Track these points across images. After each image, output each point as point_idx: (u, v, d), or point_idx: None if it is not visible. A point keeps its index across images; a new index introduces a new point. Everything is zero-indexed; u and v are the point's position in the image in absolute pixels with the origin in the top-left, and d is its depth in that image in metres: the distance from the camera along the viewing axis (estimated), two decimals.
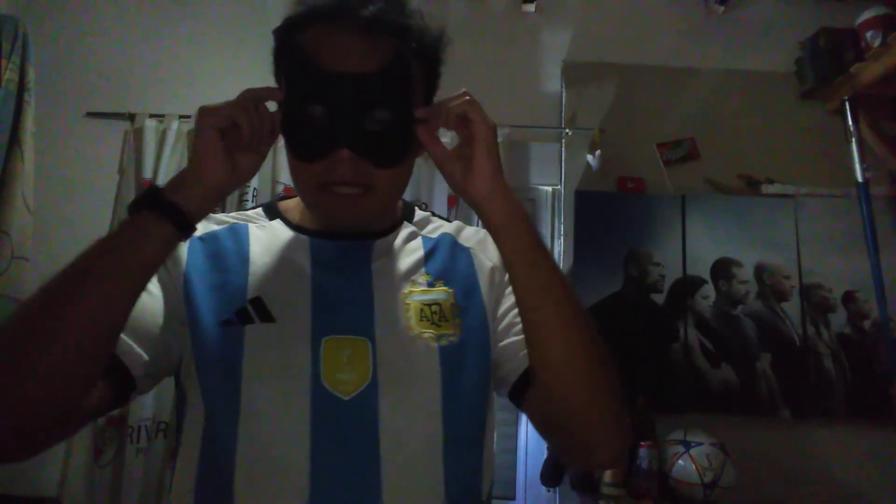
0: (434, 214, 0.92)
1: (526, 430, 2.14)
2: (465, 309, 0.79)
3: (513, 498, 2.19)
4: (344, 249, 0.80)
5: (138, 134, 2.21)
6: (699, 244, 2.17)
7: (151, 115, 2.22)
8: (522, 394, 0.76)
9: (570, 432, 0.74)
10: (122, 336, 0.65)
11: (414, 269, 0.81)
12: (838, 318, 2.12)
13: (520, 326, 0.76)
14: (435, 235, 0.87)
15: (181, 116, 2.23)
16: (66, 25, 2.35)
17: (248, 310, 0.73)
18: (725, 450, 1.84)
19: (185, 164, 2.18)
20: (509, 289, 0.78)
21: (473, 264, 0.84)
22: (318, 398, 0.69)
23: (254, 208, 0.89)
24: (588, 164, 2.21)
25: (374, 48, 0.71)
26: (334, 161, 0.71)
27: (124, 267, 0.63)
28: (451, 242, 0.86)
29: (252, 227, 0.82)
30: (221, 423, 0.69)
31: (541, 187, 2.33)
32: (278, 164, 2.17)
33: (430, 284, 0.79)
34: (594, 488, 1.91)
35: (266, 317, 0.73)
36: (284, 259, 0.78)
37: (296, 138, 0.74)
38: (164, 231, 0.64)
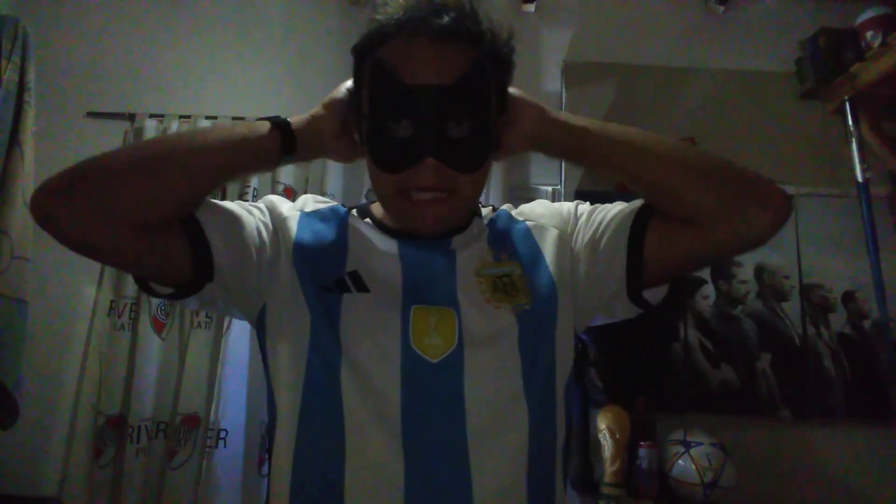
0: (494, 208, 0.99)
1: None
2: (532, 278, 0.84)
3: None
4: (426, 245, 0.85)
5: (138, 134, 2.21)
6: None
7: (151, 115, 2.22)
8: (641, 245, 0.78)
9: (719, 214, 0.74)
10: (215, 234, 0.76)
11: (482, 248, 0.87)
12: (838, 318, 2.12)
13: (602, 239, 0.83)
14: (496, 221, 0.93)
15: (181, 116, 2.23)
16: (66, 25, 2.35)
17: (346, 280, 0.80)
18: (725, 450, 1.84)
19: None
20: (581, 229, 0.86)
21: (533, 235, 0.89)
22: (407, 360, 0.74)
23: (349, 209, 0.95)
24: None
25: (452, 59, 0.76)
26: (419, 170, 0.76)
27: (233, 147, 0.77)
28: (507, 217, 0.92)
29: (351, 216, 0.90)
30: (327, 372, 0.75)
31: (541, 187, 2.33)
32: None
33: (497, 258, 0.85)
34: (594, 488, 1.91)
35: (362, 287, 0.79)
36: (376, 246, 0.85)
37: (381, 151, 0.78)
38: (273, 141, 0.78)
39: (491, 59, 0.79)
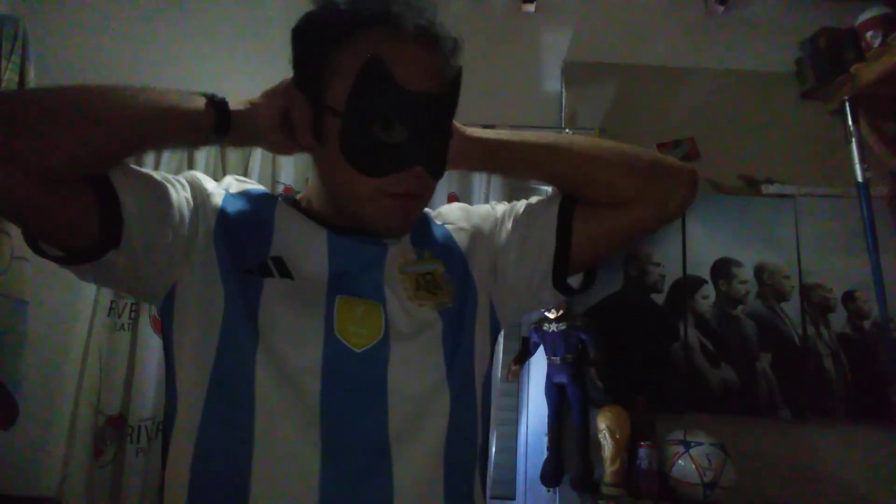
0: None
1: (526, 430, 2.14)
2: (454, 277, 0.84)
3: (513, 498, 2.19)
4: (361, 240, 0.82)
5: None
6: (699, 244, 2.17)
7: None
8: (569, 232, 0.82)
9: (639, 195, 0.81)
10: (128, 197, 0.69)
11: (405, 246, 0.85)
12: (838, 318, 2.12)
13: (529, 231, 0.86)
14: (420, 221, 0.91)
15: None
16: (66, 25, 2.35)
17: (269, 265, 0.77)
18: (725, 450, 1.84)
19: (185, 163, 2.20)
20: (503, 226, 0.89)
21: (453, 237, 0.89)
22: (330, 348, 0.72)
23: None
24: None
25: (443, 67, 0.76)
26: (406, 176, 0.74)
27: (160, 114, 0.70)
28: (428, 219, 0.92)
29: (279, 200, 0.85)
30: (240, 354, 0.72)
31: (541, 187, 2.33)
32: (278, 164, 2.17)
33: (420, 256, 0.84)
34: (594, 488, 1.91)
35: (285, 273, 0.76)
36: (303, 233, 0.81)
37: (362, 154, 0.74)
38: (206, 118, 0.72)
39: (461, 73, 0.79)
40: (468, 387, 0.80)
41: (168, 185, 0.76)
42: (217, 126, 0.73)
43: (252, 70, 2.33)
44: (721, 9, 2.36)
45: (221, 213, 0.80)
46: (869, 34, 2.09)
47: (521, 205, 0.91)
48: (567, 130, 2.26)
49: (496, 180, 2.15)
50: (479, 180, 2.18)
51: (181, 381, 0.75)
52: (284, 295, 0.75)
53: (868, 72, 2.05)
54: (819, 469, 2.01)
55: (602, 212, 0.82)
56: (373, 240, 0.82)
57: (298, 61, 0.80)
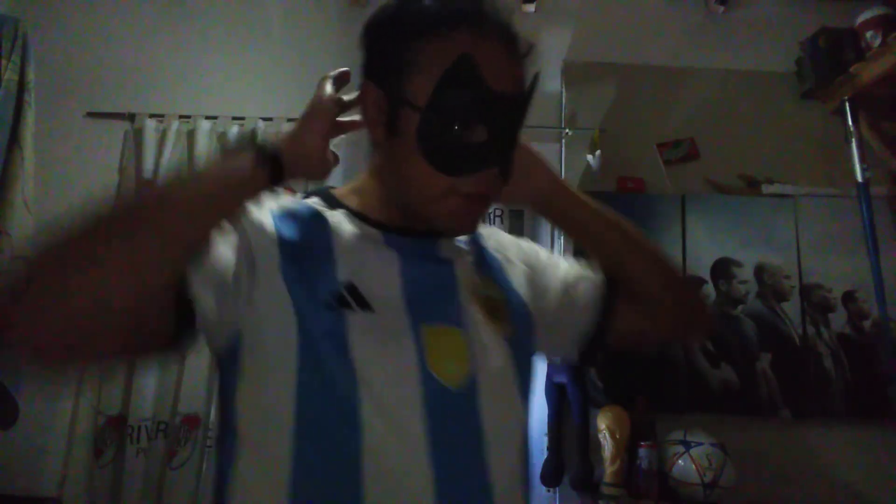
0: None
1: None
2: (512, 308, 0.83)
3: None
4: (418, 243, 0.81)
5: (138, 134, 2.21)
6: (699, 244, 2.17)
7: (151, 115, 2.22)
8: (611, 311, 0.86)
9: (670, 315, 0.89)
10: (196, 284, 0.65)
11: (469, 266, 0.84)
12: (838, 318, 2.12)
13: (577, 291, 0.88)
14: (480, 234, 0.91)
15: (181, 116, 2.23)
16: (66, 25, 2.35)
17: (345, 295, 0.72)
18: (725, 450, 1.84)
19: (185, 164, 2.20)
20: (549, 272, 0.90)
21: (505, 268, 0.88)
22: (427, 385, 0.70)
23: (305, 197, 0.86)
24: (588, 164, 2.21)
25: (522, 68, 0.76)
26: (483, 177, 0.73)
27: (219, 192, 0.66)
28: (481, 243, 0.90)
29: (326, 212, 0.80)
30: (337, 393, 0.68)
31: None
32: None
33: (484, 281, 0.83)
34: (594, 488, 1.91)
35: (363, 304, 0.72)
36: (362, 243, 0.78)
37: (442, 151, 0.72)
38: (261, 178, 0.68)
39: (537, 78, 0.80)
40: (527, 416, 0.83)
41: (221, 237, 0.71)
42: (273, 179, 0.69)
43: (252, 69, 2.33)
44: (721, 9, 2.36)
45: (281, 241, 0.74)
46: (869, 34, 2.09)
47: (565, 261, 0.94)
48: (567, 131, 2.26)
49: None
50: None
51: (247, 423, 0.71)
52: (370, 328, 0.71)
53: (868, 72, 2.05)
54: (819, 469, 2.01)
55: (635, 312, 0.87)
56: (430, 248, 0.81)
57: (374, 54, 0.78)
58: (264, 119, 2.19)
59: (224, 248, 0.70)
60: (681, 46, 2.37)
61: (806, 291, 2.14)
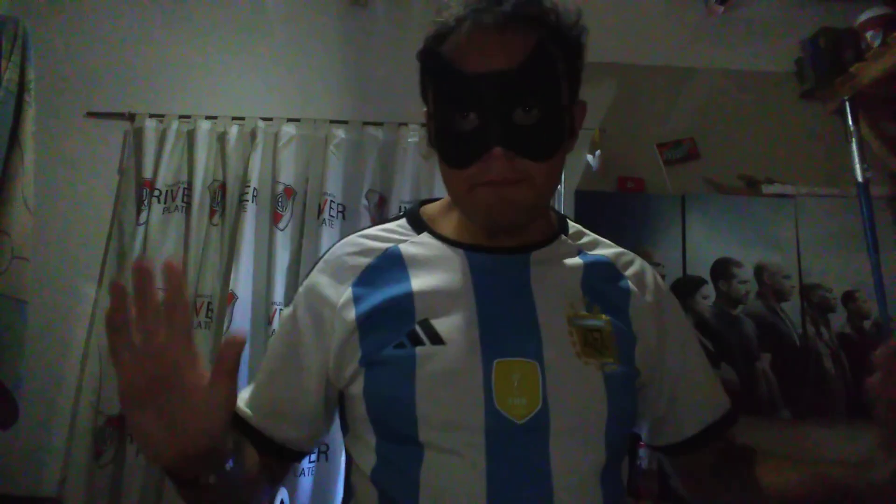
0: (586, 227, 0.92)
1: None
2: (620, 339, 0.78)
3: None
4: (502, 263, 0.79)
5: (138, 134, 2.21)
6: (699, 244, 2.17)
7: (151, 115, 2.22)
8: (685, 449, 0.85)
9: None
10: (279, 428, 0.79)
11: (573, 290, 0.79)
12: (838, 318, 2.12)
13: (697, 378, 0.86)
14: (591, 252, 0.86)
15: (181, 116, 2.23)
16: (66, 25, 2.35)
17: (418, 332, 0.73)
18: None
19: (185, 164, 2.20)
20: (676, 337, 0.85)
21: (630, 295, 0.82)
22: (491, 421, 0.69)
23: (395, 219, 0.88)
24: (588, 164, 2.21)
25: (513, 43, 0.71)
26: (488, 161, 0.71)
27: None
28: (609, 267, 0.85)
29: (404, 247, 0.81)
30: (403, 435, 0.71)
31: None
32: (278, 164, 2.17)
33: (589, 309, 0.78)
34: None
35: (436, 339, 0.73)
36: (444, 277, 0.78)
37: (448, 147, 0.75)
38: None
39: (557, 41, 0.74)
40: (621, 455, 0.78)
41: (297, 362, 0.79)
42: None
43: (252, 69, 2.33)
44: (721, 9, 2.36)
45: (359, 317, 0.76)
46: (869, 34, 2.09)
47: (697, 352, 0.88)
48: None
49: None
50: None
51: (348, 443, 0.81)
52: (439, 360, 0.72)
53: (868, 72, 2.05)
54: None
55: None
56: (519, 264, 0.79)
57: (419, 81, 0.80)
58: (264, 119, 2.20)
59: (303, 373, 0.79)
60: (681, 46, 2.37)
61: (806, 291, 2.14)
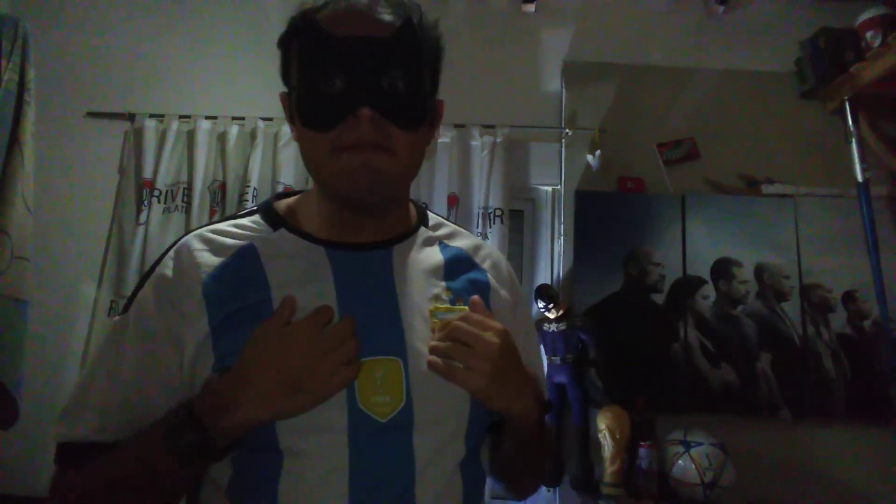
0: (446, 219, 0.93)
1: None
2: None
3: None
4: (364, 258, 0.78)
5: (138, 134, 2.21)
6: (699, 244, 2.17)
7: (151, 115, 2.22)
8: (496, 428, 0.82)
9: (506, 487, 0.93)
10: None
11: (435, 283, 0.80)
12: (838, 318, 2.12)
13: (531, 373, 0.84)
14: (452, 244, 0.86)
15: (181, 116, 2.23)
16: (66, 25, 2.35)
17: None
18: (725, 450, 1.84)
19: (185, 164, 2.20)
20: (523, 332, 0.86)
21: (489, 288, 0.84)
22: (354, 421, 0.69)
23: (247, 214, 0.84)
24: (588, 164, 2.21)
25: (383, 21, 0.74)
26: (354, 122, 0.71)
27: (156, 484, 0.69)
28: (468, 261, 0.86)
29: (259, 245, 0.78)
30: (262, 442, 0.69)
31: (541, 187, 2.33)
32: (278, 164, 2.17)
33: (453, 302, 0.79)
34: (594, 488, 1.91)
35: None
36: (304, 275, 0.75)
37: (311, 111, 0.74)
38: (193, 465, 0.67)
39: (421, 30, 0.76)
40: (479, 444, 0.80)
41: (152, 366, 0.73)
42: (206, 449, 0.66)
43: (252, 69, 2.33)
44: (721, 9, 2.36)
45: (210, 313, 0.72)
46: (869, 34, 2.09)
47: (534, 344, 0.95)
48: (567, 131, 2.26)
49: (496, 181, 2.15)
50: (478, 180, 2.17)
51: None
52: None
53: (868, 72, 2.05)
54: (819, 469, 2.01)
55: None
56: (381, 261, 0.78)
57: (281, 66, 0.82)
58: (264, 119, 2.20)
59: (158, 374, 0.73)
60: (681, 46, 2.37)
61: (806, 291, 2.14)
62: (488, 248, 0.91)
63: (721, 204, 2.21)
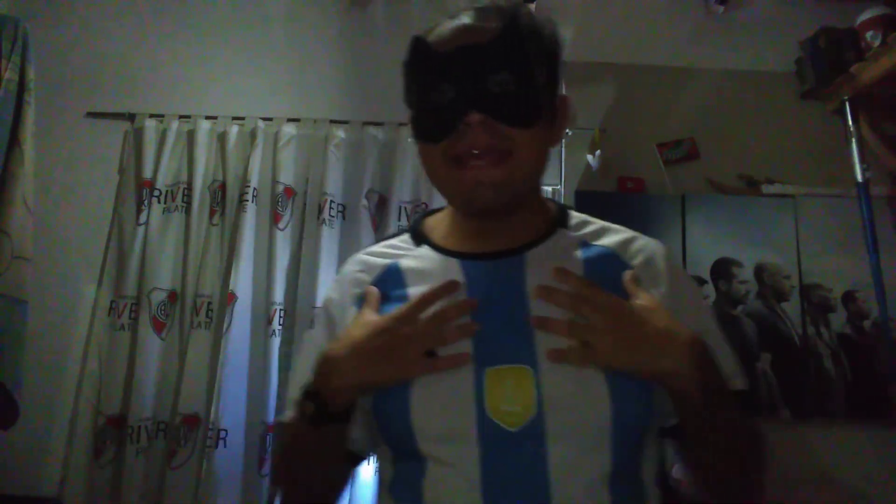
0: (592, 216, 0.88)
1: None
2: None
3: None
4: (496, 267, 0.78)
5: (138, 134, 2.21)
6: (699, 244, 2.17)
7: (151, 115, 2.22)
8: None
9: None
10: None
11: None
12: (838, 318, 2.12)
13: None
14: (597, 243, 0.82)
15: (181, 116, 2.23)
16: (66, 25, 2.35)
17: None
18: None
19: (185, 164, 2.20)
20: (691, 322, 0.75)
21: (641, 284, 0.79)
22: (485, 430, 0.69)
23: (400, 233, 0.90)
24: (588, 164, 2.21)
25: (485, 27, 0.75)
26: (465, 129, 0.72)
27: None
28: (615, 259, 0.80)
29: (403, 262, 0.83)
30: (405, 448, 0.73)
31: (541, 187, 2.33)
32: (278, 164, 2.17)
33: None
34: None
35: (429, 352, 0.72)
36: (437, 283, 0.77)
37: (423, 122, 0.77)
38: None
39: (528, 27, 0.77)
40: (635, 460, 0.75)
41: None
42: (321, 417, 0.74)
43: (252, 69, 2.33)
44: (721, 9, 2.36)
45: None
46: (869, 34, 2.09)
47: (713, 329, 0.81)
48: (567, 131, 2.26)
49: None
50: None
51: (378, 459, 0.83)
52: (432, 376, 0.71)
53: (868, 72, 2.05)
54: (819, 469, 2.01)
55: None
56: (513, 267, 0.78)
57: (404, 93, 0.84)
58: (264, 119, 2.20)
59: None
60: (681, 46, 2.37)
61: (806, 291, 2.14)
62: (642, 241, 0.83)
63: (721, 204, 2.21)
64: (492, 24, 0.75)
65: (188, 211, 2.14)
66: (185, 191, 2.17)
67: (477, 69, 0.73)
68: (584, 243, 0.81)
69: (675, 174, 2.24)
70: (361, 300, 0.80)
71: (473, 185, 0.73)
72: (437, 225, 0.87)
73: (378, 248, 0.88)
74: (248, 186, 2.13)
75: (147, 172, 2.16)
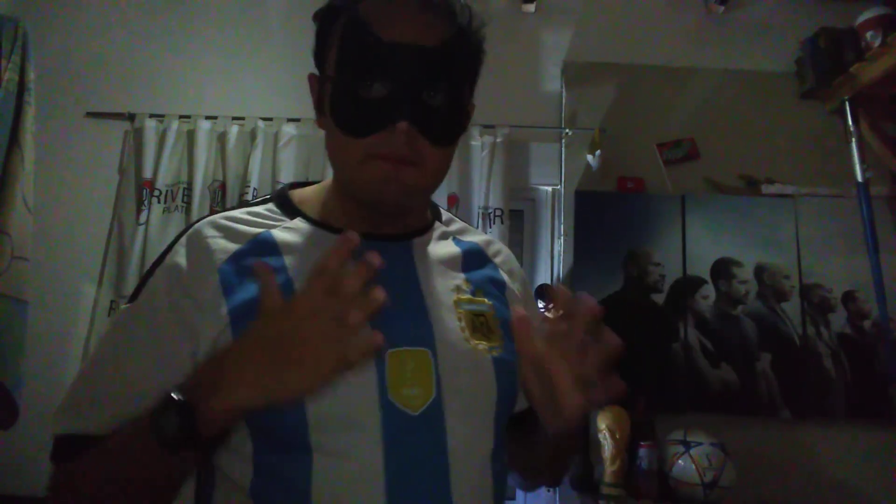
0: (454, 215, 0.92)
1: None
2: (503, 324, 0.77)
3: (513, 498, 2.19)
4: (385, 250, 0.72)
5: (138, 134, 2.21)
6: (699, 244, 2.17)
7: (151, 115, 2.22)
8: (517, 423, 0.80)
9: (522, 479, 0.93)
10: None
11: (455, 275, 0.79)
12: (838, 318, 2.12)
13: None
14: (465, 239, 0.86)
15: (181, 116, 2.23)
16: (66, 25, 2.35)
17: None
18: (725, 450, 1.84)
19: (185, 164, 2.20)
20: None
21: (505, 283, 0.84)
22: (387, 415, 0.66)
23: (262, 202, 0.81)
24: (588, 164, 2.21)
25: (435, 26, 0.71)
26: (389, 134, 0.69)
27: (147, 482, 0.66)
28: (482, 255, 0.85)
29: (277, 232, 0.75)
30: (290, 440, 0.66)
31: (541, 187, 2.33)
32: (278, 164, 2.17)
33: (473, 294, 0.78)
34: (594, 488, 1.91)
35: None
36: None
37: (348, 114, 0.71)
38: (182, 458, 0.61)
39: (469, 36, 0.74)
40: (503, 439, 0.77)
41: (164, 346, 0.68)
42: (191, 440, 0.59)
43: (252, 69, 2.33)
44: (721, 9, 2.36)
45: (230, 301, 0.69)
46: (869, 34, 2.09)
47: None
48: (567, 131, 2.26)
49: (496, 181, 2.15)
50: (478, 180, 2.17)
51: (219, 456, 0.71)
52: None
53: (868, 72, 2.05)
54: (819, 469, 2.01)
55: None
56: (402, 251, 0.76)
57: (315, 43, 0.77)
58: (264, 119, 2.20)
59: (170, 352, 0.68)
60: (681, 46, 2.37)
61: (806, 291, 2.14)
62: (498, 243, 0.90)
63: (721, 204, 2.21)
64: (441, 23, 0.71)
65: (188, 211, 2.14)
66: (186, 191, 2.17)
67: (417, 75, 0.69)
68: (456, 238, 0.85)
69: (675, 174, 2.24)
70: (229, 273, 0.70)
71: (388, 178, 0.70)
72: (309, 199, 0.81)
73: (238, 213, 0.77)
74: (248, 186, 2.13)
75: (147, 172, 2.16)
